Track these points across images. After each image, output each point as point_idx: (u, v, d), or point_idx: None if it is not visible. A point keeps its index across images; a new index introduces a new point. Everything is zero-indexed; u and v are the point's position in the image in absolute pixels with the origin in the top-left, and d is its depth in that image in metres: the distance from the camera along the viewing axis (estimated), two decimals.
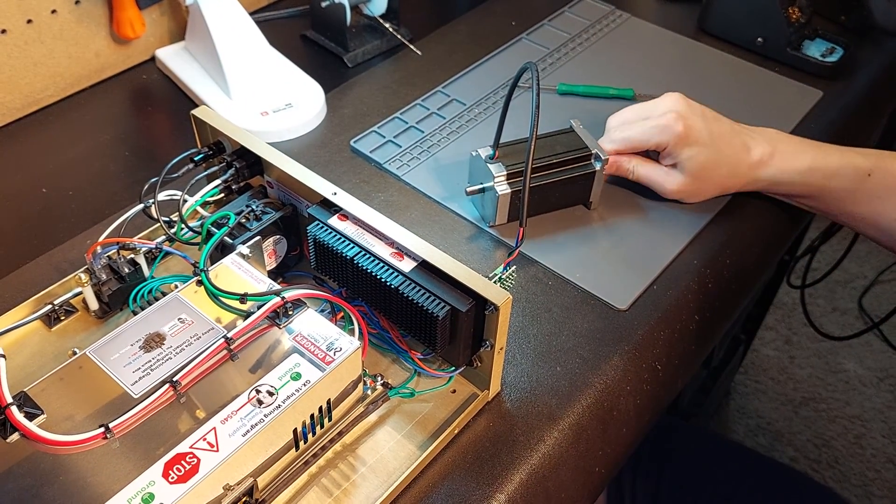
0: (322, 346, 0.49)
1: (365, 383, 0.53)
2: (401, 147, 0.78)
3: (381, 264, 0.53)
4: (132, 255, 0.58)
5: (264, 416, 0.45)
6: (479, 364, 0.55)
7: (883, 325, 1.33)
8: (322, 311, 0.56)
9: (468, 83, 0.87)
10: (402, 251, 0.53)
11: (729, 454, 0.99)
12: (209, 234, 0.57)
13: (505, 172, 0.67)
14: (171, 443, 0.44)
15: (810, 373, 1.68)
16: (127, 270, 0.58)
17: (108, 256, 0.58)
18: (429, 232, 0.70)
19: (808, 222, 1.25)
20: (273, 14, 0.97)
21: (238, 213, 0.59)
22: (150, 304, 0.53)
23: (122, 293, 0.58)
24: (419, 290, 0.51)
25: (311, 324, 0.50)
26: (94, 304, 0.58)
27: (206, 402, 0.46)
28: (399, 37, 0.92)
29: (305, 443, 0.50)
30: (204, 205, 0.61)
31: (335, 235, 0.55)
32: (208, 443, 0.44)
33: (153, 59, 0.90)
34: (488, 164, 0.67)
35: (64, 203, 0.72)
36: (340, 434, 0.52)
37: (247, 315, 0.50)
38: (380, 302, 0.55)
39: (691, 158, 0.68)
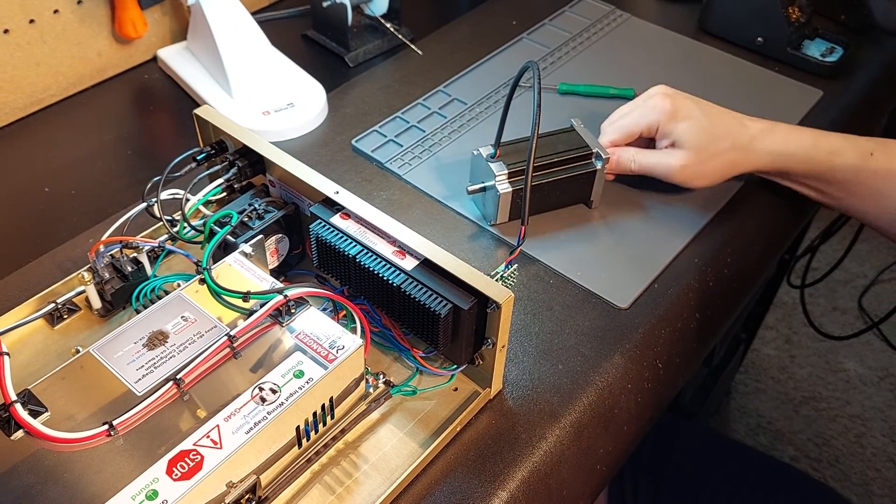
0: (324, 344, 0.49)
1: (367, 381, 0.53)
2: (402, 146, 0.78)
3: (383, 262, 0.53)
4: (135, 254, 0.59)
5: (267, 413, 0.46)
6: (481, 362, 0.55)
7: (883, 324, 1.33)
8: (324, 309, 0.57)
9: (469, 82, 0.87)
10: (404, 249, 0.54)
11: (729, 453, 0.99)
12: (212, 233, 0.58)
13: (506, 171, 0.67)
14: (175, 440, 0.44)
15: (810, 372, 1.68)
16: (130, 269, 0.58)
17: (110, 255, 0.58)
18: (430, 231, 0.70)
19: (809, 221, 1.25)
20: (274, 14, 0.97)
21: (240, 212, 0.59)
22: (153, 303, 0.53)
23: (124, 292, 0.58)
24: (421, 288, 0.51)
25: (314, 322, 0.51)
26: (96, 303, 0.58)
27: (210, 399, 0.46)
28: (400, 36, 0.92)
29: (308, 440, 0.50)
30: (206, 204, 0.62)
31: (337, 234, 0.55)
32: (212, 440, 0.44)
33: (155, 58, 0.90)
34: (489, 163, 0.67)
35: (66, 202, 0.73)
36: (343, 432, 0.52)
37: (249, 313, 0.50)
38: (382, 300, 0.55)
39: (687, 130, 0.69)
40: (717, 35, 0.95)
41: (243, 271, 0.54)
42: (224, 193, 0.62)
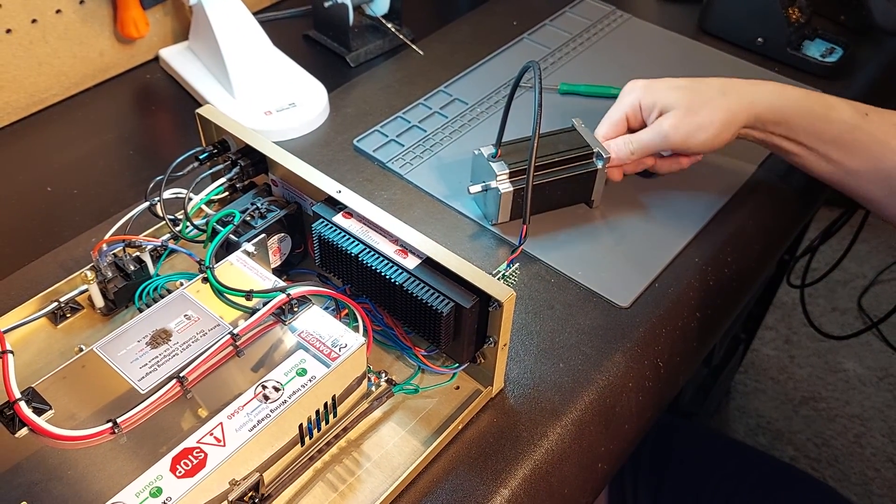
0: (327, 343, 0.49)
1: (369, 380, 0.53)
2: (403, 146, 0.78)
3: (386, 261, 0.53)
4: (137, 253, 0.59)
5: (270, 411, 0.46)
6: (483, 360, 0.55)
7: (882, 324, 1.33)
8: (327, 308, 0.57)
9: (470, 82, 0.87)
10: (406, 248, 0.54)
11: (729, 453, 0.99)
12: (214, 232, 0.58)
13: (507, 171, 0.67)
14: (179, 438, 0.44)
15: (810, 372, 1.69)
16: (132, 268, 0.58)
17: (113, 254, 0.58)
18: (432, 230, 0.70)
19: (809, 221, 1.25)
20: (276, 14, 0.98)
21: (243, 211, 0.59)
22: (156, 302, 0.53)
23: (127, 290, 0.58)
24: (423, 287, 0.52)
25: (316, 320, 0.51)
26: (99, 302, 0.58)
27: (213, 397, 0.47)
28: (401, 37, 0.92)
29: (311, 438, 0.50)
30: (209, 203, 0.62)
31: (340, 233, 0.55)
32: (215, 438, 0.44)
33: (157, 58, 0.90)
34: (491, 163, 0.67)
35: (69, 201, 0.73)
36: (345, 430, 0.52)
37: (252, 312, 0.50)
38: (384, 299, 0.55)
39: (666, 90, 0.69)
40: (717, 35, 0.95)
41: (246, 270, 0.54)
42: (226, 193, 0.62)
